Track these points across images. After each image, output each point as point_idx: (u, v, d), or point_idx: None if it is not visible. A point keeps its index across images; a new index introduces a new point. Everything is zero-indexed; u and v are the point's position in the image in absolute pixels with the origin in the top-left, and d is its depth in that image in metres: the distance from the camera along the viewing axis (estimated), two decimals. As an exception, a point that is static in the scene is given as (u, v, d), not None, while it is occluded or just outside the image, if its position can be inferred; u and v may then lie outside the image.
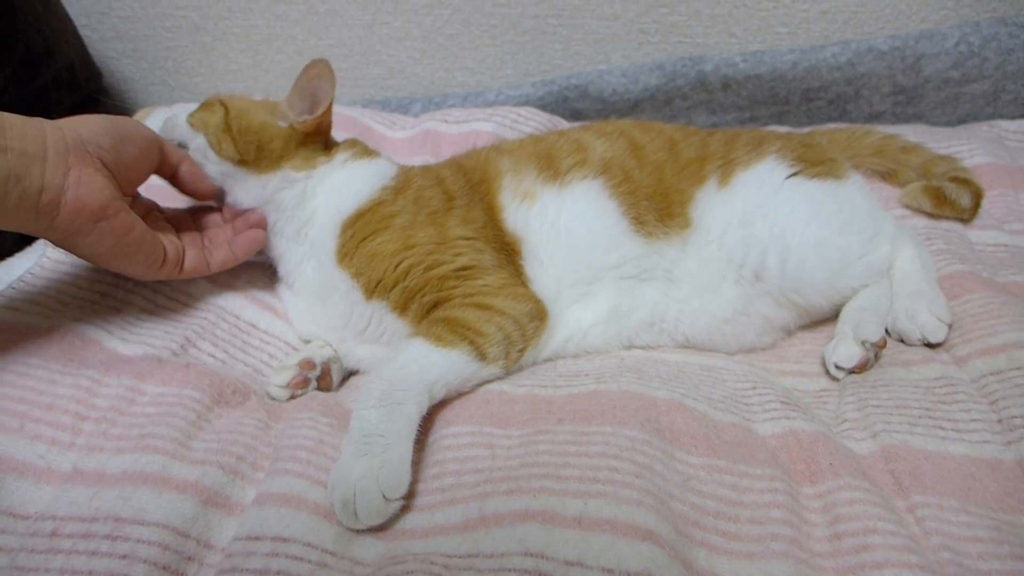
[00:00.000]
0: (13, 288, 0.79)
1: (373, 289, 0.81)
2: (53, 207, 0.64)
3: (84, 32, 1.47)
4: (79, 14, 1.47)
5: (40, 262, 0.83)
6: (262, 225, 0.86)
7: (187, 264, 0.80)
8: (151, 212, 0.83)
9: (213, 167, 0.85)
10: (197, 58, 1.56)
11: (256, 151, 0.84)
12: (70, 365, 0.70)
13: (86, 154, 0.67)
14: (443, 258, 0.81)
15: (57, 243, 0.70)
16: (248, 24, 1.50)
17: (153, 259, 0.75)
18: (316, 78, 0.85)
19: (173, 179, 0.84)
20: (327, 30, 1.50)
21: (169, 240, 0.78)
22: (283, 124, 0.86)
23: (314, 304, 0.86)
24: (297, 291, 0.88)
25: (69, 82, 1.34)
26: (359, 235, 0.83)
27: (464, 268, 0.81)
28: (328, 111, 0.87)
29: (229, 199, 0.87)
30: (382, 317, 0.83)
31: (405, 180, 0.88)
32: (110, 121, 0.72)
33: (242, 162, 0.84)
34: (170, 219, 0.85)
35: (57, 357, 0.71)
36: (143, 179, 0.78)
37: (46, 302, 0.78)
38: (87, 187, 0.66)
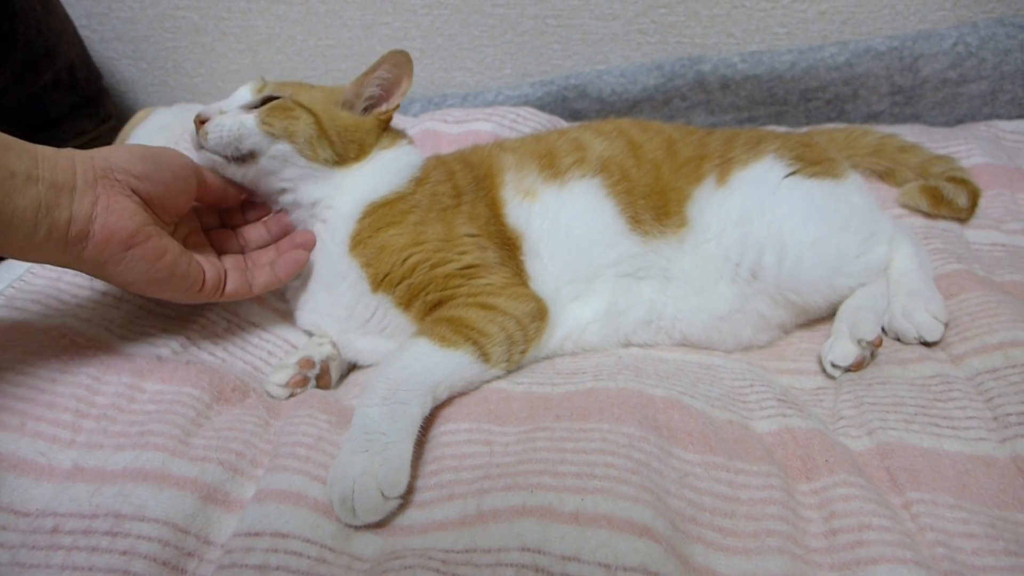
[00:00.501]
0: (13, 287, 0.79)
1: (380, 282, 0.82)
2: (82, 237, 0.63)
3: (84, 33, 1.47)
4: (79, 15, 1.48)
5: (40, 261, 0.83)
6: (307, 246, 0.84)
7: (229, 287, 0.78)
8: (193, 234, 0.81)
9: (294, 171, 0.83)
10: (197, 59, 1.57)
11: (358, 149, 0.87)
12: (70, 363, 0.71)
13: (115, 181, 0.66)
14: (449, 256, 0.82)
15: (90, 274, 0.69)
16: (248, 25, 1.51)
17: (190, 283, 0.73)
18: (398, 67, 0.87)
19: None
20: (327, 31, 1.51)
21: (210, 263, 0.77)
22: (358, 114, 0.88)
23: (319, 292, 0.86)
24: (304, 277, 0.88)
25: (69, 83, 1.35)
26: (376, 224, 0.83)
27: (469, 267, 0.82)
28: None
29: (293, 197, 0.85)
30: (386, 311, 0.83)
31: (425, 172, 0.89)
32: (145, 149, 0.71)
33: (339, 162, 0.85)
34: (214, 240, 0.83)
35: (57, 355, 0.71)
36: (183, 207, 0.76)
37: (46, 301, 0.78)
38: (115, 214, 0.65)
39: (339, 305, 0.85)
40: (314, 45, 1.53)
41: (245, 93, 0.86)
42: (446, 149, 1.20)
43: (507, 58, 1.51)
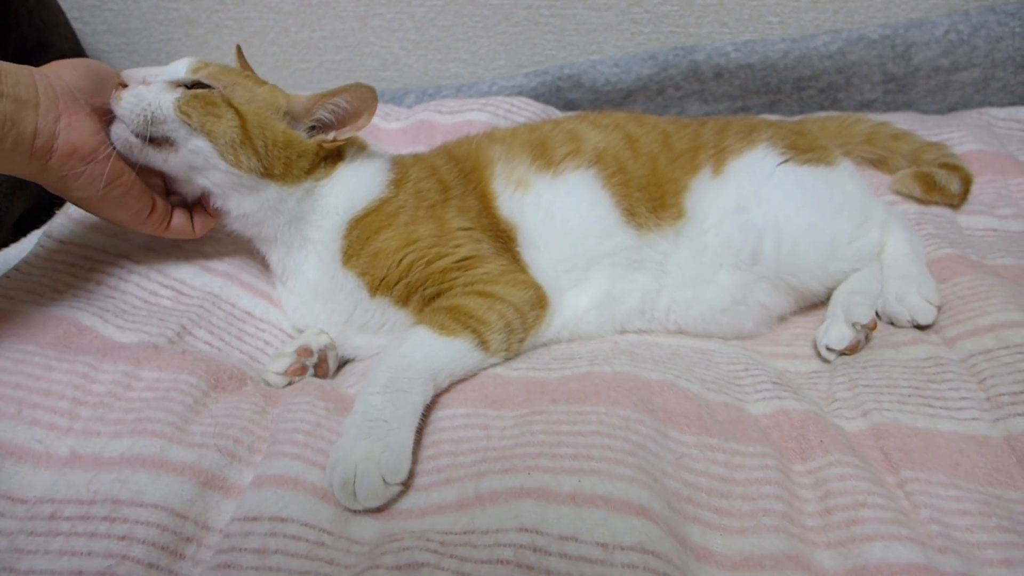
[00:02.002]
0: (8, 276, 0.79)
1: (377, 286, 0.81)
2: (46, 150, 0.67)
3: (76, 25, 1.47)
4: (71, 7, 1.47)
5: (35, 251, 0.83)
6: None
7: (174, 222, 0.81)
8: (152, 174, 0.81)
9: (217, 175, 0.77)
10: (190, 51, 1.56)
11: (284, 166, 0.79)
12: (66, 351, 0.71)
13: (75, 100, 0.70)
14: (444, 251, 0.81)
15: (50, 187, 0.72)
16: (241, 16, 1.50)
17: (141, 207, 0.76)
18: (360, 101, 0.80)
19: None
20: (320, 22, 1.50)
21: (160, 197, 0.80)
22: (301, 132, 0.81)
23: (312, 301, 0.85)
24: (293, 288, 0.87)
25: (61, 75, 1.34)
26: (364, 234, 0.82)
27: (464, 259, 0.82)
28: None
29: (223, 204, 0.80)
30: (384, 311, 0.83)
31: (402, 172, 0.88)
32: (87, 66, 0.74)
33: (266, 174, 0.78)
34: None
35: (53, 344, 0.71)
36: None
37: (41, 290, 0.78)
38: (77, 131, 0.69)
39: (336, 312, 0.85)
40: (308, 37, 1.52)
41: (180, 67, 0.78)
42: (440, 140, 1.20)
43: (501, 49, 1.51)
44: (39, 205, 1.11)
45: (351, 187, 0.84)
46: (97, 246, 0.85)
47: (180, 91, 0.75)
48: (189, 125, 0.74)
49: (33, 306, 0.76)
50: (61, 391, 0.67)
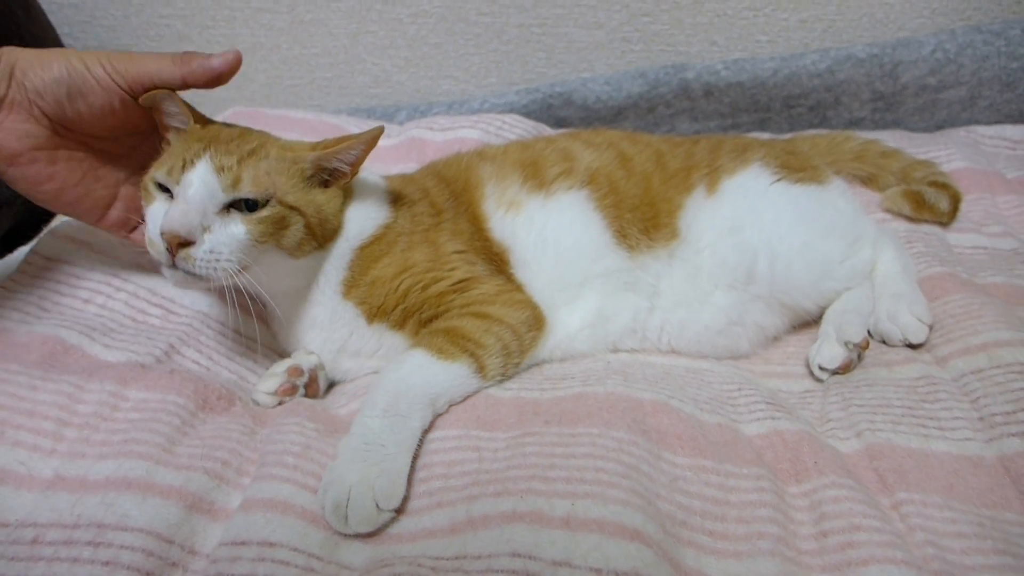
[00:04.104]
0: (-7, 295, 0.78)
1: (375, 314, 0.81)
2: None
3: (67, 41, 1.47)
4: (61, 23, 1.46)
5: (22, 268, 0.82)
6: None
7: (137, 234, 0.81)
8: (135, 176, 0.80)
9: (274, 258, 0.76)
10: (181, 67, 1.55)
11: (332, 231, 0.80)
12: (52, 371, 0.69)
13: (24, 101, 0.69)
14: (439, 275, 0.81)
15: None
16: (233, 33, 1.50)
17: (80, 214, 0.77)
18: (371, 142, 0.78)
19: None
20: (312, 39, 1.50)
21: (125, 204, 0.79)
22: (324, 188, 0.80)
23: (309, 330, 0.84)
24: (294, 320, 0.84)
25: (51, 91, 1.33)
26: (366, 263, 0.81)
27: (460, 281, 0.81)
28: None
29: (256, 289, 0.75)
30: (381, 336, 0.82)
31: (398, 195, 0.87)
32: (68, 71, 0.70)
33: (318, 248, 0.80)
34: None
35: (38, 363, 0.70)
36: (103, 133, 0.76)
37: (27, 308, 0.77)
38: (5, 132, 0.69)
39: (331, 340, 0.83)
40: (299, 54, 1.52)
41: (211, 182, 0.71)
42: (432, 157, 1.19)
43: (492, 66, 1.51)
44: (26, 222, 1.10)
45: (361, 216, 0.83)
46: (85, 264, 0.84)
47: (237, 218, 0.72)
48: (263, 245, 0.73)
49: (18, 324, 0.75)
50: (45, 412, 0.66)
